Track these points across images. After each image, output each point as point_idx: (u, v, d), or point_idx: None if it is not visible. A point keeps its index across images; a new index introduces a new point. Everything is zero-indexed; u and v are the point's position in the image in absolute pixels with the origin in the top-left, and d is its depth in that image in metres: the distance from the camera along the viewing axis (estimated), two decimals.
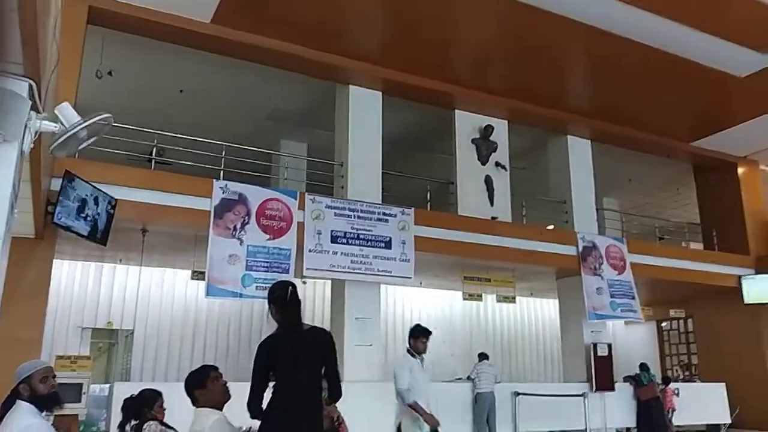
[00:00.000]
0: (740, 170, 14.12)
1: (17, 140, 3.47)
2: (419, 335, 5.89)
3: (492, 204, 10.84)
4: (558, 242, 11.20)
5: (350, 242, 9.15)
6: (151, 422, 4.09)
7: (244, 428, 3.24)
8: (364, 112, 10.16)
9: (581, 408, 9.53)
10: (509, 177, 11.16)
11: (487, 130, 11.08)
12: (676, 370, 16.01)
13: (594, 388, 10.84)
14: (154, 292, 12.27)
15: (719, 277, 13.07)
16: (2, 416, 3.34)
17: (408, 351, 5.96)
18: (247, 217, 8.51)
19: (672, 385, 12.16)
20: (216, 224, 8.28)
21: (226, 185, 8.54)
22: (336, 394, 3.14)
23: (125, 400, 4.31)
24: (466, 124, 11.06)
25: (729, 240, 13.63)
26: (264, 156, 10.69)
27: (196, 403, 3.52)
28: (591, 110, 11.74)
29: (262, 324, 12.26)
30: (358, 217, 9.34)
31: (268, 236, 8.59)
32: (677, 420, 11.85)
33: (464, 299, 11.81)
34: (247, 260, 8.33)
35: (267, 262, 8.47)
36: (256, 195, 8.71)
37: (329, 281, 10.54)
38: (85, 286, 11.79)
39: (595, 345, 11.20)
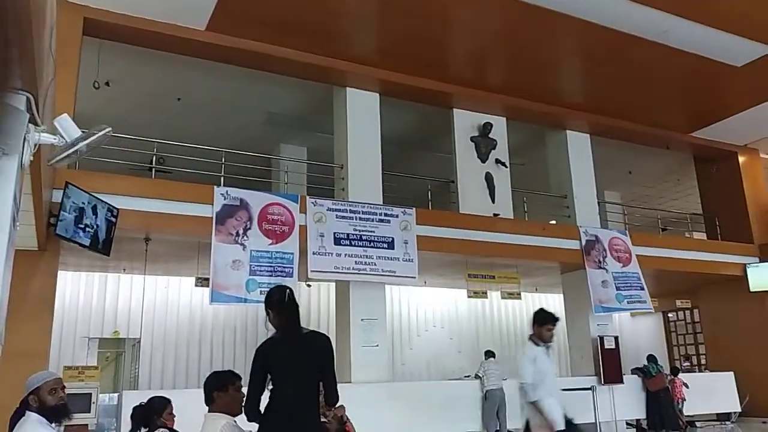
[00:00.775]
0: (741, 159, 14.09)
1: (17, 153, 3.47)
2: (545, 322, 5.10)
3: (493, 201, 10.84)
4: (561, 237, 11.20)
5: (353, 243, 9.16)
6: (161, 429, 4.10)
7: None
8: (363, 114, 10.17)
9: (590, 401, 9.51)
10: (509, 174, 11.16)
11: (486, 127, 11.08)
12: (681, 361, 15.98)
13: (602, 381, 10.83)
14: (159, 300, 12.31)
15: (724, 266, 13.05)
16: (12, 428, 3.36)
17: (531, 339, 5.20)
18: (249, 223, 8.53)
19: (680, 376, 12.15)
20: (218, 230, 8.29)
21: (227, 191, 8.56)
22: (332, 399, 3.12)
23: (134, 409, 4.31)
24: (465, 122, 11.07)
25: (732, 229, 13.62)
26: (263, 161, 10.72)
27: (211, 404, 3.50)
28: (589, 104, 11.73)
29: (268, 331, 12.27)
30: (360, 218, 9.35)
31: (270, 241, 8.60)
32: (687, 410, 11.83)
33: (469, 297, 11.81)
34: (250, 265, 8.34)
35: (270, 266, 8.48)
36: (257, 200, 8.73)
37: (333, 284, 10.56)
38: (91, 297, 11.84)
39: (601, 338, 11.20)
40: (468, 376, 11.07)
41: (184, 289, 12.35)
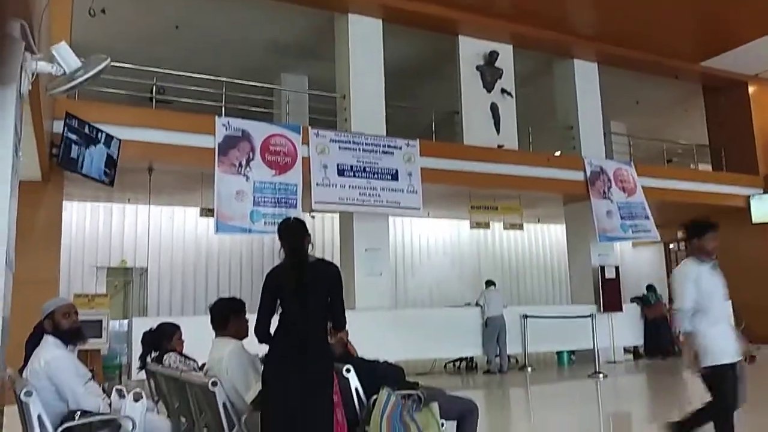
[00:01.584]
0: (751, 89, 13.84)
1: (14, 82, 3.43)
2: (705, 231, 4.07)
3: (498, 132, 10.74)
4: (565, 168, 11.17)
5: (357, 175, 9.15)
6: (171, 353, 4.24)
7: (260, 356, 3.34)
8: (365, 42, 9.94)
9: (589, 329, 9.75)
10: (515, 104, 11.00)
11: (492, 56, 10.84)
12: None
13: (601, 309, 11.06)
14: (164, 230, 12.45)
15: (727, 197, 13.06)
16: (28, 350, 3.50)
17: (691, 256, 4.10)
18: (251, 154, 8.50)
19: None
20: (221, 161, 8.29)
21: (228, 122, 8.49)
22: (340, 324, 3.22)
23: (144, 334, 4.45)
24: (470, 50, 10.82)
25: (738, 160, 13.53)
26: (265, 91, 10.55)
27: (223, 327, 3.60)
28: (597, 32, 11.42)
29: (273, 259, 12.46)
30: (364, 150, 9.30)
31: (273, 172, 8.60)
32: None
33: (471, 228, 11.91)
34: (254, 196, 8.38)
35: (274, 197, 8.52)
36: (259, 131, 8.67)
37: (337, 215, 10.62)
38: (97, 227, 11.97)
39: (602, 268, 11.35)
40: (469, 304, 11.32)
41: (189, 219, 12.48)
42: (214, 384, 3.23)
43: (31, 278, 5.91)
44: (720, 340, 3.73)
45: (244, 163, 8.43)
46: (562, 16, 10.86)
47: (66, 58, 3.76)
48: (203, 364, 3.88)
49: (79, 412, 3.14)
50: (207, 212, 9.50)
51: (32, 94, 4.09)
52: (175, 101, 9.75)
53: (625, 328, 11.48)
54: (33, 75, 3.74)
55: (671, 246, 17.02)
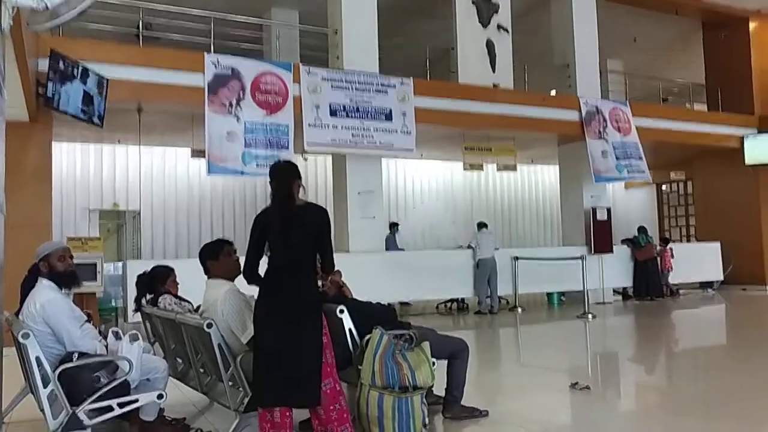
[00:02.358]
0: (751, 25, 13.56)
1: None
2: None
3: (494, 70, 10.53)
4: (561, 107, 11.04)
5: (350, 115, 9.01)
6: (166, 296, 4.27)
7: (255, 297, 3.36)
8: None
9: (579, 270, 9.87)
10: (511, 41, 10.76)
11: None
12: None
13: (592, 251, 11.17)
14: (156, 171, 12.34)
15: (722, 138, 13.02)
16: (24, 293, 3.50)
17: None
18: (241, 93, 8.33)
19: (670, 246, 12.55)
20: (211, 101, 8.12)
21: (217, 59, 8.28)
22: (328, 266, 3.25)
23: (139, 276, 4.46)
24: None
25: (734, 100, 13.40)
26: (254, 26, 10.24)
27: (208, 273, 3.66)
28: None
29: (266, 201, 12.42)
30: (356, 89, 9.12)
31: (264, 111, 8.45)
32: (673, 279, 12.33)
33: (465, 170, 11.86)
34: (245, 137, 8.26)
35: (266, 138, 8.40)
36: (249, 69, 8.46)
37: (330, 157, 10.52)
38: (88, 168, 11.85)
39: (594, 209, 11.40)
40: (461, 246, 11.41)
41: (180, 161, 12.34)
42: (209, 325, 3.26)
43: (23, 222, 5.88)
44: None
45: (234, 102, 8.27)
46: None
47: None
48: (198, 306, 3.91)
49: (76, 354, 3.17)
50: (198, 153, 9.39)
51: (14, 30, 3.93)
52: (162, 37, 9.46)
53: (615, 270, 11.63)
54: (14, 9, 3.59)
55: (663, 188, 17.08)
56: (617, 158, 11.22)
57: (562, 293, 11.55)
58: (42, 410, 3.13)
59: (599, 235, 11.37)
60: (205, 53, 8.27)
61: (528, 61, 11.42)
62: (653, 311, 10.67)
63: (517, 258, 10.59)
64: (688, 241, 15.25)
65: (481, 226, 10.74)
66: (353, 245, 9.24)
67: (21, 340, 3.02)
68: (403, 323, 3.99)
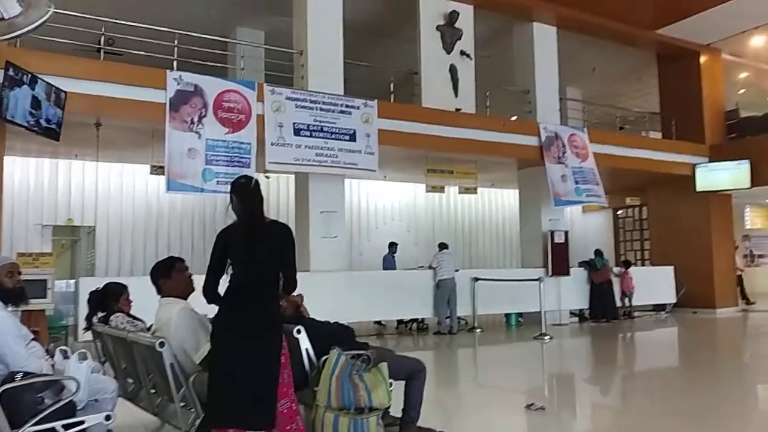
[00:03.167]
0: (702, 58, 14.14)
1: None
2: None
3: (456, 95, 10.71)
4: (521, 133, 11.26)
5: (314, 135, 9.02)
6: (118, 314, 4.16)
7: (210, 316, 3.31)
8: None
9: (537, 292, 10.01)
10: (474, 67, 10.98)
11: (453, 16, 10.74)
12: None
13: (550, 273, 11.36)
14: (113, 187, 12.10)
15: (675, 165, 13.45)
16: None
17: None
18: (204, 110, 8.26)
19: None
20: (172, 117, 8.04)
21: (180, 76, 8.22)
22: (289, 287, 3.21)
23: (91, 293, 4.35)
24: (431, 9, 10.68)
25: (687, 129, 13.89)
26: (219, 45, 10.21)
27: (160, 292, 3.61)
28: None
29: (226, 220, 12.28)
30: (321, 109, 9.15)
31: (227, 129, 8.39)
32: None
33: (427, 191, 11.97)
34: (206, 154, 8.18)
35: (227, 156, 8.33)
36: (212, 86, 8.42)
37: (293, 176, 10.50)
38: (42, 183, 11.55)
39: (552, 233, 11.62)
40: (422, 267, 11.44)
41: (139, 177, 12.12)
42: (162, 345, 3.20)
43: None
44: None
45: (196, 119, 8.20)
46: None
47: (4, 1, 3.55)
48: (151, 325, 3.83)
49: (20, 374, 3.05)
50: (158, 170, 9.25)
51: None
52: (125, 53, 9.33)
53: (572, 292, 11.85)
54: None
55: (619, 212, 17.52)
56: (576, 182, 11.48)
57: (520, 314, 11.68)
58: None
59: (557, 258, 11.57)
60: (168, 70, 8.20)
61: (490, 86, 11.66)
62: (608, 333, 10.87)
63: (476, 279, 10.70)
64: (643, 264, 15.63)
65: (442, 247, 10.82)
66: (314, 264, 9.20)
67: None
68: (361, 344, 3.97)
